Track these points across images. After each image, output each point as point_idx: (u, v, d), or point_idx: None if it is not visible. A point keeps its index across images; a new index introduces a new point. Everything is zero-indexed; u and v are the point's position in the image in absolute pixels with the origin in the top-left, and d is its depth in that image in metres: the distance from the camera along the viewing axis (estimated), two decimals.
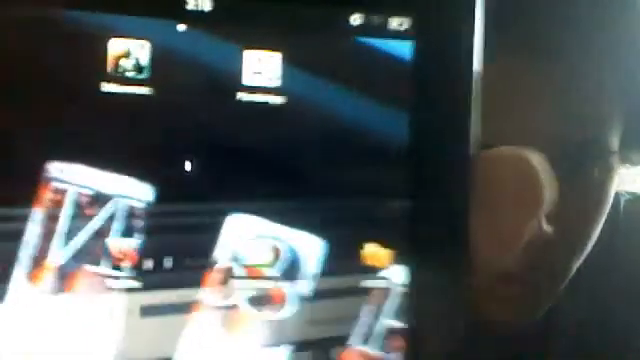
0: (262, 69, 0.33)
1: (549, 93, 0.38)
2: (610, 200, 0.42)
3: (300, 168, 0.34)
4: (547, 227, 0.36)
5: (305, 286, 0.34)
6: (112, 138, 0.31)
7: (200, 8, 0.32)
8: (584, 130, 0.39)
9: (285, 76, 0.33)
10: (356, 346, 0.35)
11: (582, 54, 0.39)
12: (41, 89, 0.30)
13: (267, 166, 0.33)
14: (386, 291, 0.35)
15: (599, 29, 0.40)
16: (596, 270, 0.48)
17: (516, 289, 0.41)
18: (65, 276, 0.31)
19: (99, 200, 0.31)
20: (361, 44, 0.34)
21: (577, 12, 0.38)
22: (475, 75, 0.35)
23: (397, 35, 0.34)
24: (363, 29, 0.34)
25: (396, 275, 0.35)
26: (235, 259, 0.33)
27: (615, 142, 0.42)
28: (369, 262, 0.35)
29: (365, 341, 0.35)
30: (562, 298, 0.47)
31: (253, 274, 0.33)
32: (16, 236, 0.30)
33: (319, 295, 0.34)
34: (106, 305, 0.32)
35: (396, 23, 0.34)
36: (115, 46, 0.31)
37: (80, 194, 0.31)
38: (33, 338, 0.31)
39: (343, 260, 0.34)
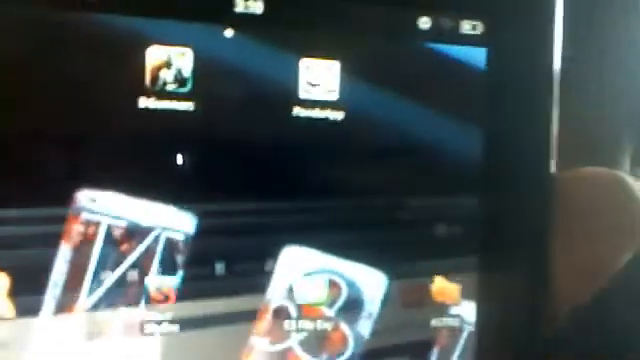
0: (319, 80, 0.29)
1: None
2: None
3: (361, 194, 0.30)
4: None
5: (367, 327, 0.30)
6: (150, 161, 0.27)
7: (250, 11, 0.28)
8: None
9: (344, 88, 0.29)
10: None
11: None
12: (71, 105, 0.26)
13: (325, 192, 0.29)
14: (456, 331, 0.31)
15: None
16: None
17: None
18: (96, 321, 0.27)
19: (135, 233, 0.27)
20: (430, 51, 0.30)
21: None
22: (556, 85, 0.31)
23: (469, 41, 0.30)
24: (432, 34, 0.30)
25: (467, 313, 0.31)
26: (290, 297, 0.29)
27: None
28: (438, 298, 0.31)
29: None
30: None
31: (310, 313, 0.29)
32: (42, 276, 0.26)
33: (382, 336, 0.30)
34: (143, 354, 0.28)
35: (468, 27, 0.30)
36: (154, 55, 0.27)
37: (114, 226, 0.27)
38: None
39: (409, 296, 0.30)
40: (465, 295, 0.31)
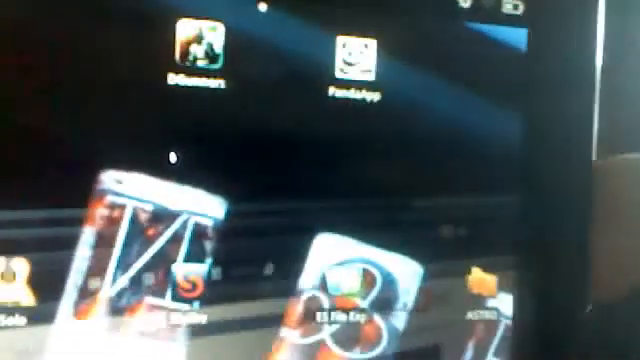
0: (356, 60, 0.27)
1: None
2: None
3: (398, 179, 0.28)
4: None
5: (402, 320, 0.28)
6: (179, 141, 0.25)
7: None
8: None
9: (381, 68, 0.28)
10: None
11: None
12: (96, 81, 0.24)
13: (361, 177, 0.28)
14: (493, 324, 0.30)
15: None
16: None
17: None
18: (119, 310, 0.25)
19: (162, 217, 0.26)
20: (470, 31, 0.29)
21: None
22: (599, 69, 0.30)
23: (511, 21, 0.29)
24: (473, 13, 0.28)
25: (505, 305, 0.30)
26: (323, 287, 0.27)
27: None
28: (474, 290, 0.30)
29: None
30: None
31: (343, 305, 0.28)
32: (63, 262, 0.24)
33: (418, 329, 0.29)
34: (169, 345, 0.26)
35: (510, 6, 0.29)
36: (184, 29, 0.25)
37: (140, 210, 0.25)
38: None
39: (446, 288, 0.29)
40: (502, 288, 0.30)
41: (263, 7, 0.26)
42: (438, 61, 0.28)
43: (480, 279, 0.29)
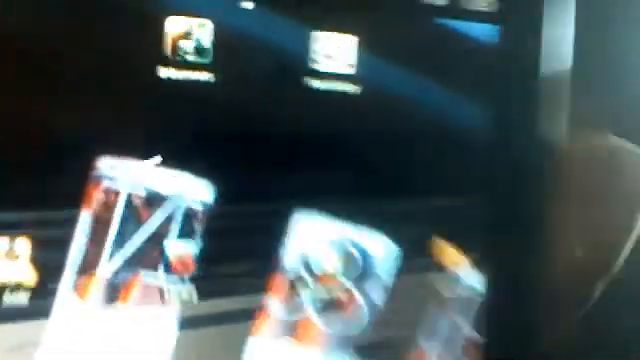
0: (335, 54, 0.29)
1: None
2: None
3: (373, 163, 0.30)
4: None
5: (381, 295, 0.31)
6: (170, 130, 0.27)
7: None
8: None
9: (359, 62, 0.30)
10: (426, 351, 0.31)
11: None
12: (90, 74, 0.26)
13: (338, 161, 0.30)
14: (462, 297, 0.32)
15: None
16: None
17: None
18: (116, 287, 0.27)
19: (155, 200, 0.28)
20: (444, 27, 0.30)
21: None
22: (569, 63, 0.32)
23: (483, 17, 0.31)
24: (446, 9, 0.30)
25: (473, 280, 0.32)
26: (305, 265, 0.29)
27: None
28: (445, 265, 0.32)
29: (435, 346, 0.32)
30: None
31: (324, 282, 0.30)
32: (62, 243, 0.26)
33: (396, 306, 0.31)
34: (162, 317, 0.28)
35: (483, 2, 0.31)
36: (174, 25, 0.27)
37: (134, 195, 0.27)
38: (80, 356, 0.27)
39: (417, 263, 0.31)
40: (476, 266, 0.32)
41: (248, 4, 0.28)
42: (413, 56, 0.30)
43: (451, 255, 0.31)
